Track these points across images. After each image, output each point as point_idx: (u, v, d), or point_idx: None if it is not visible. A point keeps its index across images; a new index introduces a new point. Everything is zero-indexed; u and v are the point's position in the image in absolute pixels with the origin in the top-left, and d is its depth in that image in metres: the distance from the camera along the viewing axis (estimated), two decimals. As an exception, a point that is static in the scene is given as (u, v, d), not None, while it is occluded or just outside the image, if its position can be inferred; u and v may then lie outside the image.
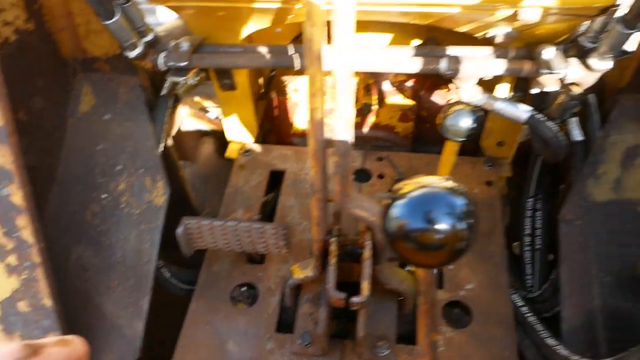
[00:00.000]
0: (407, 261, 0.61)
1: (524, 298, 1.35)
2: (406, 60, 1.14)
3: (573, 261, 1.19)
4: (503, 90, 1.32)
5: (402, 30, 1.28)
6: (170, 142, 1.43)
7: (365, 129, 1.59)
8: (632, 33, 0.98)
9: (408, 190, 0.60)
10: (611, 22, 1.00)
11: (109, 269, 1.23)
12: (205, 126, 1.94)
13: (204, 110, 1.98)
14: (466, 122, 0.89)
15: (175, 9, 1.08)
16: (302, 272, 1.21)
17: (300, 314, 1.25)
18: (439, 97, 1.52)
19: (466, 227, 0.60)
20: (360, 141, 1.61)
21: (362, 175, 1.53)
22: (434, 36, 1.52)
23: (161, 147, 1.28)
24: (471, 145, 1.62)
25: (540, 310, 1.30)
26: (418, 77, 1.49)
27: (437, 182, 0.60)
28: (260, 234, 1.23)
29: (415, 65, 1.14)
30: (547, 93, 1.29)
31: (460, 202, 0.60)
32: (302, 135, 1.74)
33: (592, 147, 1.22)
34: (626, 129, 1.20)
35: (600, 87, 1.34)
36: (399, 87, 1.49)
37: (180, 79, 1.18)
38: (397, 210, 0.59)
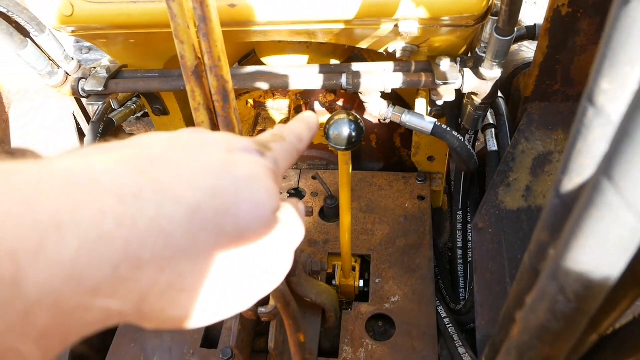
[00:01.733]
0: None
1: (451, 310, 1.34)
2: (310, 76, 1.19)
3: (486, 270, 1.18)
4: (421, 104, 1.35)
5: (317, 51, 1.32)
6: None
7: (300, 149, 1.62)
8: (508, 40, 1.00)
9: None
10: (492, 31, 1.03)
11: None
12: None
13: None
14: (346, 131, 0.91)
15: (82, 37, 1.15)
16: None
17: (225, 328, 1.26)
18: (370, 115, 1.55)
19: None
20: (297, 160, 1.64)
21: (297, 194, 1.56)
22: (361, 55, 1.58)
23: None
24: (410, 163, 1.64)
25: (465, 322, 1.29)
26: (346, 96, 1.53)
27: None
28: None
29: (318, 81, 1.18)
30: (459, 106, 1.32)
31: None
32: None
33: (502, 156, 1.23)
34: (534, 137, 1.21)
35: (515, 96, 1.36)
36: (330, 106, 1.53)
37: (99, 104, 1.24)
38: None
